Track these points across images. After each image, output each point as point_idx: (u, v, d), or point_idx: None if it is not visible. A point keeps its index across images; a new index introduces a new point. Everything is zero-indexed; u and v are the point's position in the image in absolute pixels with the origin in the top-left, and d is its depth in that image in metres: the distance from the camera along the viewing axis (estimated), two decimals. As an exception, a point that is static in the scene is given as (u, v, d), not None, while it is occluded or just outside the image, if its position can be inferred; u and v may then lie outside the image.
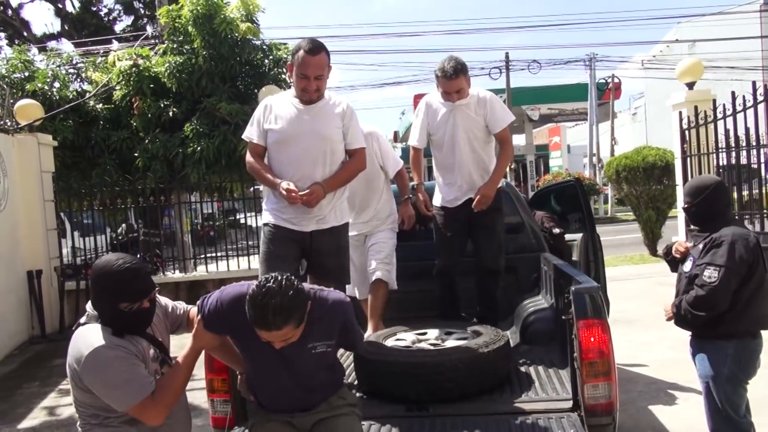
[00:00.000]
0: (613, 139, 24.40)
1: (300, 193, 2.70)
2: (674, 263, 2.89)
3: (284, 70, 9.25)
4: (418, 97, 27.09)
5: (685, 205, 2.76)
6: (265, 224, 2.95)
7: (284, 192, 2.70)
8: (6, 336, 6.63)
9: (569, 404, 2.26)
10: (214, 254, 9.26)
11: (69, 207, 8.46)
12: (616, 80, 23.68)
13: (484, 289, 3.54)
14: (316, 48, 2.78)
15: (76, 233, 8.59)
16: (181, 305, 2.23)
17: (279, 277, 1.82)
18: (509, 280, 3.67)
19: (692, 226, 2.98)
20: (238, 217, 14.57)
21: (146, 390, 1.85)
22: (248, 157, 2.96)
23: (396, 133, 42.07)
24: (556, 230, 4.12)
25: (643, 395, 4.20)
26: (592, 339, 2.12)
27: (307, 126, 2.83)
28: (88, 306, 1.98)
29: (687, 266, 2.69)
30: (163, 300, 2.16)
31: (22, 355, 6.68)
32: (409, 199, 3.65)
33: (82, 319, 1.96)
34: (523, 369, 2.76)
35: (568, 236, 4.16)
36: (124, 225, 10.19)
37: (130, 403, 1.83)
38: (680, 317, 2.64)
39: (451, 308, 3.62)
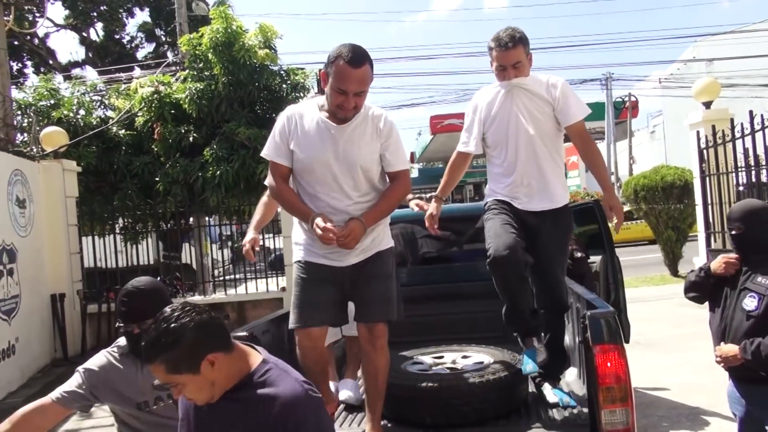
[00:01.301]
0: (631, 157, 24.25)
1: (337, 233, 2.27)
2: (704, 290, 2.54)
3: (302, 94, 9.42)
4: (434, 119, 27.30)
5: (734, 231, 2.46)
6: (297, 262, 2.51)
7: (318, 230, 2.27)
8: (30, 359, 6.75)
9: (587, 430, 2.25)
10: (232, 277, 9.34)
11: (92, 231, 8.62)
12: (633, 99, 23.62)
13: (550, 330, 2.86)
14: (359, 58, 2.27)
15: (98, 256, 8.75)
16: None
17: (186, 307, 1.41)
18: None
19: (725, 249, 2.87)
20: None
21: (55, 396, 1.98)
22: (270, 180, 2.47)
23: (413, 154, 42.26)
24: (578, 254, 4.09)
25: (663, 420, 4.14)
26: (608, 364, 2.11)
27: (339, 150, 2.37)
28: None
29: (750, 304, 2.34)
30: None
31: (44, 377, 6.77)
32: (439, 198, 2.98)
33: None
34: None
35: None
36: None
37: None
38: (761, 362, 2.27)
39: (518, 311, 2.77)
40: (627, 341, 3.97)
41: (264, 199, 3.23)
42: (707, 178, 7.85)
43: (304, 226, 2.47)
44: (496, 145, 2.84)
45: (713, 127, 7.47)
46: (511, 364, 2.58)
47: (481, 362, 2.68)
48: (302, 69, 9.60)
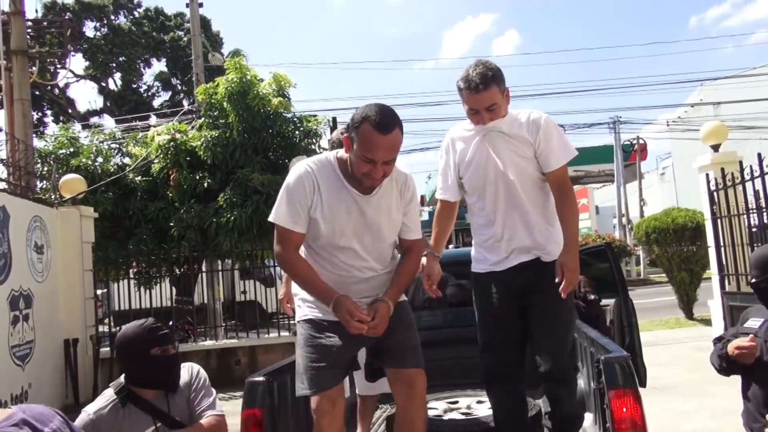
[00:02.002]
0: (641, 200, 24.26)
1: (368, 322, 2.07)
2: (734, 369, 2.42)
3: (314, 140, 9.63)
4: (443, 162, 27.58)
5: (753, 280, 2.38)
6: (304, 320, 2.26)
7: (350, 319, 2.03)
8: (42, 403, 6.71)
9: (604, 476, 2.22)
10: (244, 322, 9.35)
11: (107, 276, 8.72)
12: (641, 141, 23.81)
13: (551, 400, 2.54)
14: (388, 122, 2.04)
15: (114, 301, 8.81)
16: (208, 401, 2.20)
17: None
18: None
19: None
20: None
21: None
22: (280, 249, 2.19)
23: (423, 197, 42.48)
24: (592, 297, 4.09)
25: (684, 467, 4.04)
26: (624, 409, 2.11)
27: (366, 222, 2.21)
28: (122, 378, 2.10)
29: None
30: (196, 373, 2.24)
31: (55, 424, 6.74)
32: (434, 255, 2.62)
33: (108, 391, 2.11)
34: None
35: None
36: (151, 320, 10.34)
37: None
38: None
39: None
40: (643, 385, 3.93)
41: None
42: (719, 221, 7.84)
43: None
44: (473, 191, 2.54)
45: (722, 169, 7.52)
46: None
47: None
48: (314, 116, 9.84)
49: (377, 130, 2.03)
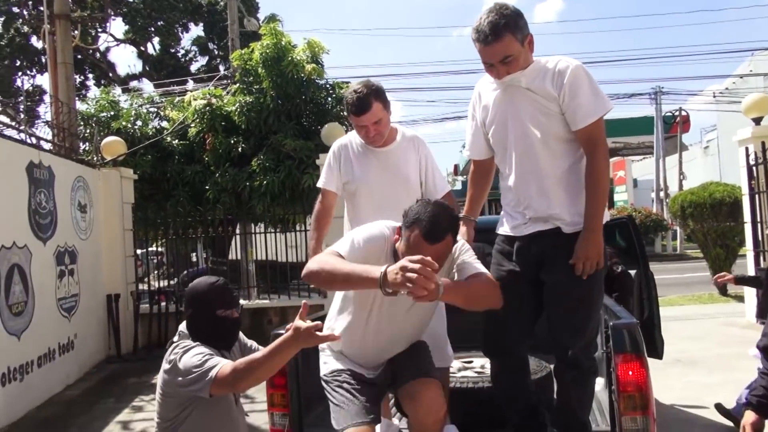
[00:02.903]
0: (681, 173, 23.62)
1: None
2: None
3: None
4: (478, 131, 27.26)
5: None
6: (333, 374, 2.22)
7: (414, 266, 1.69)
8: (86, 354, 7.15)
9: (608, 435, 2.32)
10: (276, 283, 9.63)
11: (146, 236, 9.06)
12: (683, 113, 23.06)
13: (559, 386, 2.35)
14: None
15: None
16: (249, 341, 2.40)
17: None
18: None
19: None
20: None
21: (224, 365, 1.95)
22: (317, 257, 2.11)
23: (456, 167, 42.18)
24: (619, 269, 4.12)
25: (700, 437, 4.10)
26: (630, 373, 2.18)
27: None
28: (181, 326, 2.24)
29: None
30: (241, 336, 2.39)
31: (99, 373, 7.16)
32: (469, 219, 2.50)
33: (175, 338, 2.22)
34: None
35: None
36: (186, 272, 10.68)
37: (210, 376, 1.93)
38: None
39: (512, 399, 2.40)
40: (660, 357, 3.98)
41: (314, 222, 2.97)
42: (756, 196, 7.66)
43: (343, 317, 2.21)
44: (497, 152, 2.38)
45: (763, 143, 7.32)
46: (537, 369, 2.67)
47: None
48: (347, 83, 9.86)
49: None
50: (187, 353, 2.04)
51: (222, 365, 1.95)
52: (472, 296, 1.93)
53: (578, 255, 2.13)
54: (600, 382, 2.90)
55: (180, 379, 2.02)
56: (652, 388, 2.25)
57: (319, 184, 2.85)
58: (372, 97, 2.55)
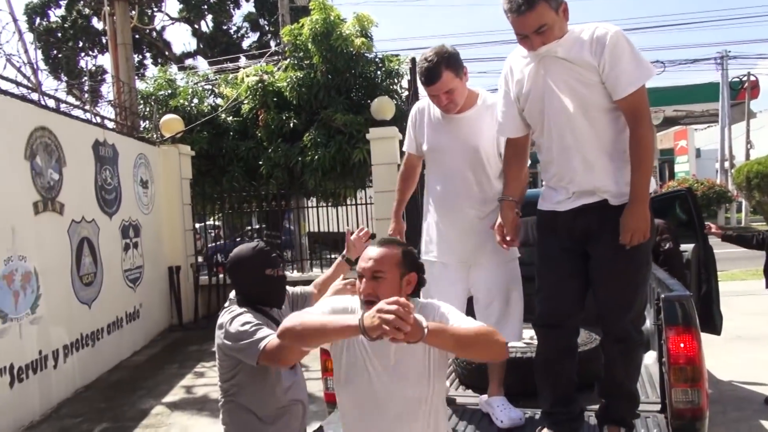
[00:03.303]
0: (748, 142, 22.43)
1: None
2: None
3: (395, 80, 9.65)
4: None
5: None
6: None
7: (386, 309, 1.47)
8: (151, 323, 7.55)
9: (658, 407, 2.31)
10: (329, 256, 9.84)
11: (203, 210, 9.40)
12: (752, 78, 21.79)
13: (606, 362, 2.32)
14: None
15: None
16: (297, 288, 2.51)
17: None
18: None
19: None
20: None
21: (273, 337, 1.97)
22: (291, 315, 1.78)
23: (508, 139, 41.39)
24: (667, 245, 4.02)
25: (758, 414, 4.00)
26: (681, 345, 2.16)
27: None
28: (231, 294, 2.36)
29: None
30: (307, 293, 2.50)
31: (163, 340, 7.56)
32: (509, 200, 2.41)
33: (226, 303, 2.35)
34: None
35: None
36: (209, 246, 10.99)
37: (259, 348, 1.99)
38: None
39: (564, 401, 2.31)
40: (718, 333, 3.89)
41: (397, 183, 2.96)
42: (829, 165, 7.25)
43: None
44: (534, 126, 2.31)
45: (838, 109, 6.88)
46: (586, 341, 2.68)
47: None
48: (396, 56, 9.81)
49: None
50: (236, 320, 2.13)
51: (272, 337, 1.98)
52: (465, 342, 1.62)
53: (626, 227, 2.07)
54: (652, 356, 2.88)
55: (229, 343, 2.12)
56: (706, 362, 2.22)
57: (404, 146, 2.90)
58: (442, 65, 2.45)
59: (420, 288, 1.79)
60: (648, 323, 3.00)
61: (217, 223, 12.29)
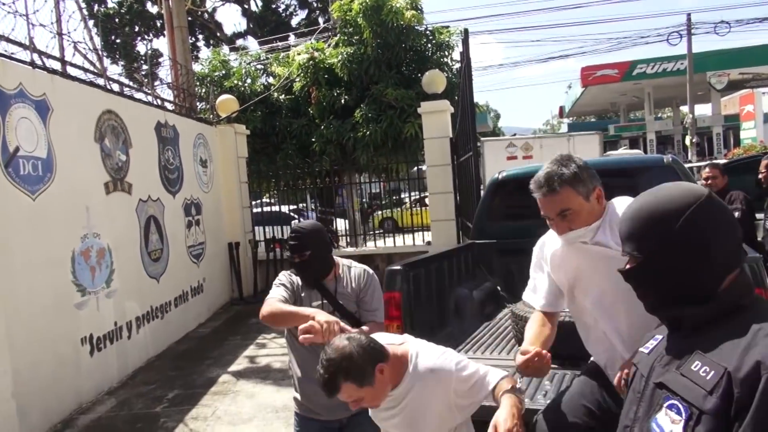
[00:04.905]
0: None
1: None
2: None
3: (446, 53, 9.56)
4: (585, 70, 25.81)
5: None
6: None
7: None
8: (213, 296, 7.88)
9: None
10: (382, 231, 9.96)
11: (259, 188, 9.65)
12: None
13: None
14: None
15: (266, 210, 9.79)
16: (371, 304, 2.40)
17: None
18: None
19: None
20: (402, 196, 15.34)
21: (270, 297, 2.31)
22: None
23: (561, 109, 40.36)
24: (737, 214, 3.96)
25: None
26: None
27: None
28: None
29: None
30: (370, 276, 2.44)
31: (225, 313, 7.88)
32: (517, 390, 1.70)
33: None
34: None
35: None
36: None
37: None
38: None
39: None
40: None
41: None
42: None
43: None
44: (572, 311, 2.15)
45: None
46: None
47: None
48: (447, 28, 9.70)
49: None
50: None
51: (269, 297, 2.30)
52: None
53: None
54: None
55: None
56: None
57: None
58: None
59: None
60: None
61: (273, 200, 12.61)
